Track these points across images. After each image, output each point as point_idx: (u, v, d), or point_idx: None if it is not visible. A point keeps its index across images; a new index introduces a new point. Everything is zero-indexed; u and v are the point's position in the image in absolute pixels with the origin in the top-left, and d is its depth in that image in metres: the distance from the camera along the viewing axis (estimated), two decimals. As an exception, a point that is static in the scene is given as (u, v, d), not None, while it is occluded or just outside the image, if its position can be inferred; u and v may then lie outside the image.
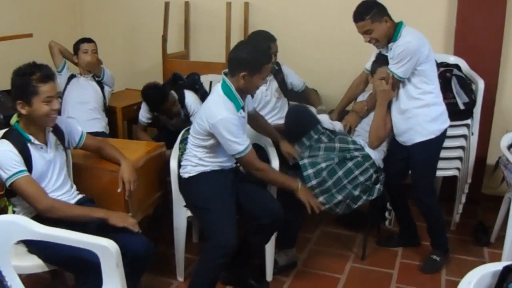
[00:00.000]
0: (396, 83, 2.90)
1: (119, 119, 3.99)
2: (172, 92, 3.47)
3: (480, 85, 3.29)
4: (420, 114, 2.92)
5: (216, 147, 2.65)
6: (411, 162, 3.04)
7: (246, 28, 4.30)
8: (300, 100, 3.75)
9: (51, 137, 2.43)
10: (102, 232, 2.14)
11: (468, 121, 3.34)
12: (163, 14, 4.32)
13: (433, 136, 2.94)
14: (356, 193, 2.88)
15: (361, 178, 2.90)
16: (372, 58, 3.15)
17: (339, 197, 2.86)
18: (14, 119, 2.38)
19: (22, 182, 2.22)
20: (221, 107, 2.53)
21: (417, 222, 3.35)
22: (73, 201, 2.46)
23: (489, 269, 1.53)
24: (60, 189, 2.43)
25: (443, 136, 3.00)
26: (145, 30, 4.73)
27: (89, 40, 3.90)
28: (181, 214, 2.88)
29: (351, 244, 3.42)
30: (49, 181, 2.38)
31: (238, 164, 2.83)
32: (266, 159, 2.98)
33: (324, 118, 3.20)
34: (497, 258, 3.11)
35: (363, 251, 3.26)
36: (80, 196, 2.54)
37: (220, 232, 2.48)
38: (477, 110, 3.33)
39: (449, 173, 3.46)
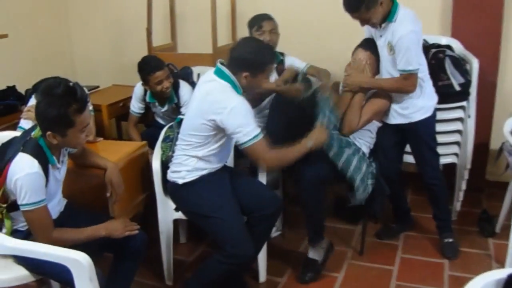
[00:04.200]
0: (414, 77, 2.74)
1: (105, 117, 3.79)
2: (168, 66, 3.37)
3: (475, 64, 3.13)
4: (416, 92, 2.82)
5: (220, 144, 2.48)
6: (415, 141, 2.98)
7: (233, 16, 4.14)
8: None
9: (64, 154, 2.27)
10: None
11: (464, 103, 3.18)
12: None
13: (431, 111, 2.90)
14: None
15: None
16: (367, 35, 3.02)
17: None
18: (37, 132, 2.11)
19: (38, 212, 2.02)
20: (229, 92, 2.37)
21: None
22: (62, 207, 2.35)
23: (492, 277, 1.39)
24: (56, 198, 2.29)
25: (435, 111, 2.94)
26: (130, 23, 4.57)
27: None
28: (166, 217, 2.74)
29: (349, 239, 3.27)
30: (54, 198, 2.25)
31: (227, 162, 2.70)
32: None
33: None
34: (503, 250, 2.93)
35: (361, 246, 3.11)
36: (65, 201, 2.40)
37: (238, 243, 2.37)
38: (473, 91, 3.17)
39: (448, 160, 3.30)
